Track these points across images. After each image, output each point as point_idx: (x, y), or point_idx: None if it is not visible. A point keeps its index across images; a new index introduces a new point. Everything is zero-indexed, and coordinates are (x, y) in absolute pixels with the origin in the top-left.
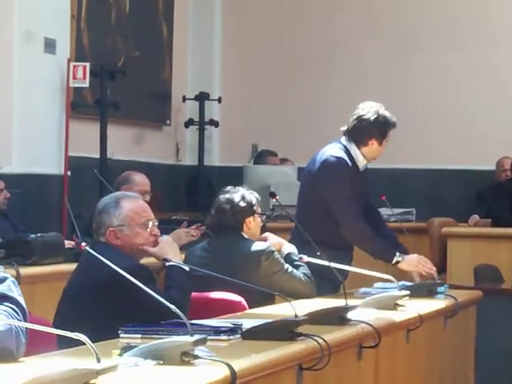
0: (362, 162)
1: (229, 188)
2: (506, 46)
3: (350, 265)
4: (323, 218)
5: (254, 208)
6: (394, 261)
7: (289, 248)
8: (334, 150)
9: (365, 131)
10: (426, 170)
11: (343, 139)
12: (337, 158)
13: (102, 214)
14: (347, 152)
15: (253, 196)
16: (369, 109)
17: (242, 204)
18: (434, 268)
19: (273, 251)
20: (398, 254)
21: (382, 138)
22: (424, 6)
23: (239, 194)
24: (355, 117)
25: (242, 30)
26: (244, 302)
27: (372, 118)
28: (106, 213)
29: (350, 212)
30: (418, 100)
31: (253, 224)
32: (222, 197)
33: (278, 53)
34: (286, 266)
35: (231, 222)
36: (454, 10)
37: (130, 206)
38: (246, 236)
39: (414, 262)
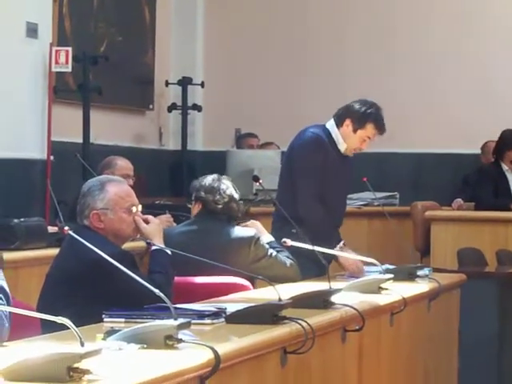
0: (342, 145)
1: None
2: (487, 28)
3: (337, 243)
4: None
5: None
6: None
7: (268, 238)
8: (313, 127)
9: (346, 111)
10: (410, 154)
11: (328, 123)
12: (314, 133)
13: (87, 196)
14: (328, 134)
15: None
16: (364, 101)
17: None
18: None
19: (259, 237)
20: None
21: (359, 125)
22: None
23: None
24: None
25: (225, 14)
26: (251, 287)
27: (359, 105)
28: (90, 195)
29: (308, 190)
30: (400, 83)
31: None
32: (227, 184)
33: (261, 37)
34: (271, 250)
35: (239, 213)
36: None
37: (116, 190)
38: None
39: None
